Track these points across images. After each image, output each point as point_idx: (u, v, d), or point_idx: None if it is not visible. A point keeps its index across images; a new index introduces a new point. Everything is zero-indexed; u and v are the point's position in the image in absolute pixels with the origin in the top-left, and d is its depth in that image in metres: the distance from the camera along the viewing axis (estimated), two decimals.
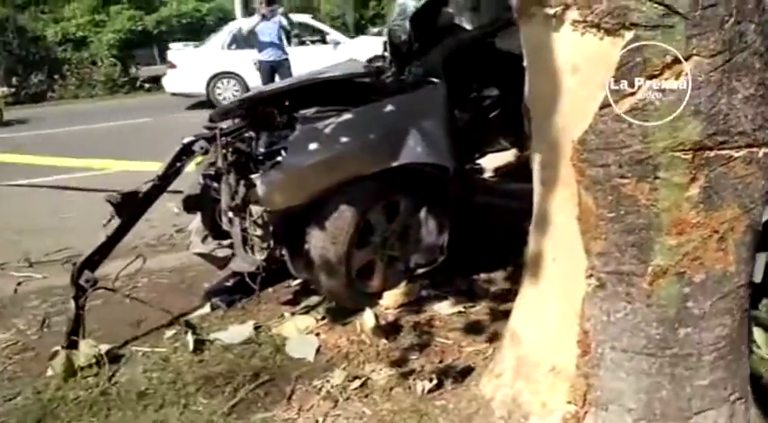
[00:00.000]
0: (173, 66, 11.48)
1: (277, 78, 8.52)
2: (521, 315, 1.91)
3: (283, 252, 2.80)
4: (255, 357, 2.60)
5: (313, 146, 2.55)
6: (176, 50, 12.30)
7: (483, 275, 3.11)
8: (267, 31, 8.28)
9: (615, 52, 1.33)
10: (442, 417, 2.06)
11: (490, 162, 3.63)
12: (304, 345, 2.62)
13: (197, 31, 24.55)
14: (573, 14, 1.35)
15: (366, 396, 2.25)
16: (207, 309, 3.10)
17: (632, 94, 1.34)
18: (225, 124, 2.96)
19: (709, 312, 1.53)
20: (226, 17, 29.42)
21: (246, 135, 2.89)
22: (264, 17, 8.19)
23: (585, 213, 1.52)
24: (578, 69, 1.40)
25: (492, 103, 3.56)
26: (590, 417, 1.71)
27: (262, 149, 2.90)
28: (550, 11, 1.37)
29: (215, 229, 3.01)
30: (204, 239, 3.13)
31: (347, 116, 2.65)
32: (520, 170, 3.57)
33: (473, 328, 2.59)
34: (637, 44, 1.30)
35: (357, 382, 2.31)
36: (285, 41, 8.77)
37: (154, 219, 4.87)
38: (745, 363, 1.66)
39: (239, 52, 10.57)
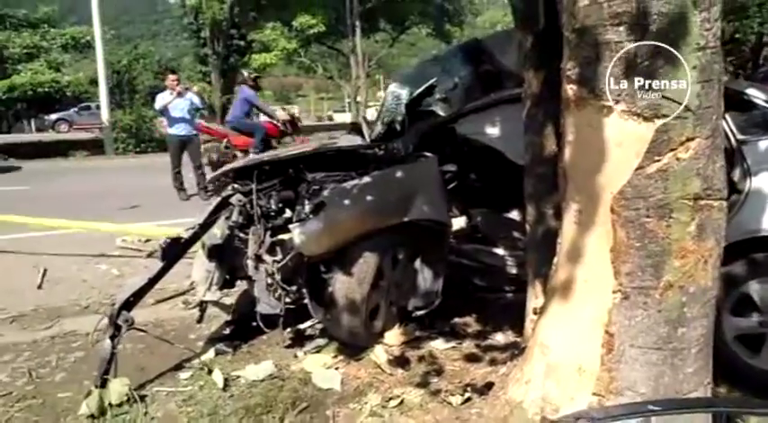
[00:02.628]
0: None
1: (185, 154, 8.69)
2: (549, 328, 2.45)
3: (303, 295, 3.12)
4: (285, 390, 2.85)
5: (346, 201, 2.99)
6: None
7: (458, 319, 3.63)
8: (180, 106, 8.52)
9: (649, 133, 2.00)
10: (481, 420, 2.50)
11: None
12: (329, 377, 2.92)
13: (52, 101, 23.49)
14: (621, 106, 2.02)
15: (406, 412, 2.62)
16: (211, 354, 3.27)
17: (659, 160, 2.01)
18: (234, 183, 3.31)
19: (697, 315, 2.18)
20: (82, 93, 28.28)
21: (265, 192, 3.24)
22: (180, 94, 8.47)
23: (618, 244, 2.14)
24: (621, 144, 2.05)
25: (450, 178, 4.22)
26: (610, 403, 2.26)
27: (273, 205, 3.26)
28: (606, 103, 2.03)
29: (230, 277, 3.25)
30: (209, 288, 3.34)
31: (367, 179, 3.13)
32: (471, 234, 4.22)
33: (472, 358, 3.07)
34: (665, 128, 1.98)
35: (394, 402, 2.67)
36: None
37: (90, 280, 4.88)
38: (710, 356, 2.32)
39: None
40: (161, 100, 8.53)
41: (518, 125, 3.45)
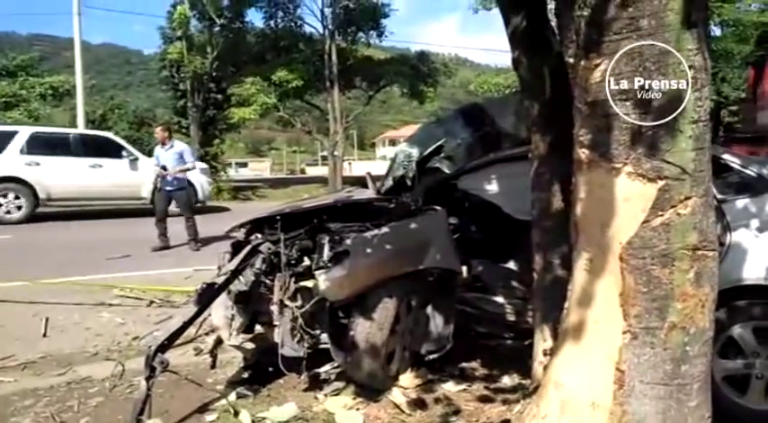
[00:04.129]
0: None
1: (173, 204, 8.85)
2: (562, 367, 2.67)
3: (322, 339, 3.30)
4: None
5: (368, 250, 3.22)
6: None
7: (465, 364, 3.83)
8: (166, 159, 8.71)
9: (653, 191, 2.31)
10: None
11: None
12: (351, 418, 3.08)
13: None
14: (628, 168, 2.33)
15: None
16: (233, 397, 3.39)
17: (662, 215, 2.32)
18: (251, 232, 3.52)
19: (697, 354, 2.44)
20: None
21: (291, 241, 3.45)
22: (163, 145, 8.73)
23: (627, 289, 2.41)
24: (628, 200, 2.36)
25: (452, 229, 4.49)
26: None
27: (295, 253, 3.47)
28: (615, 165, 2.35)
29: (252, 321, 3.42)
30: (230, 335, 3.50)
31: (386, 229, 3.38)
32: (471, 284, 4.47)
33: (485, 399, 3.27)
34: (666, 187, 2.30)
35: None
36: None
37: (95, 328, 4.96)
38: (709, 391, 2.57)
39: None
40: (156, 153, 8.80)
41: (515, 182, 3.77)
